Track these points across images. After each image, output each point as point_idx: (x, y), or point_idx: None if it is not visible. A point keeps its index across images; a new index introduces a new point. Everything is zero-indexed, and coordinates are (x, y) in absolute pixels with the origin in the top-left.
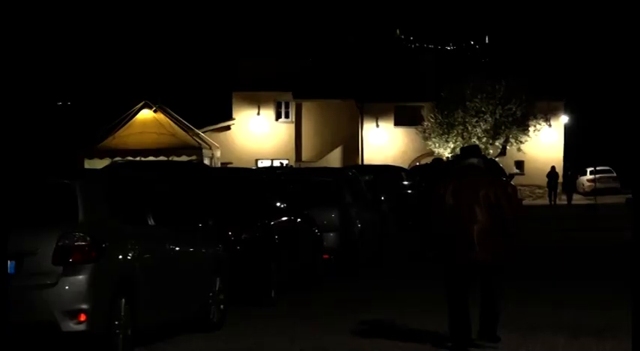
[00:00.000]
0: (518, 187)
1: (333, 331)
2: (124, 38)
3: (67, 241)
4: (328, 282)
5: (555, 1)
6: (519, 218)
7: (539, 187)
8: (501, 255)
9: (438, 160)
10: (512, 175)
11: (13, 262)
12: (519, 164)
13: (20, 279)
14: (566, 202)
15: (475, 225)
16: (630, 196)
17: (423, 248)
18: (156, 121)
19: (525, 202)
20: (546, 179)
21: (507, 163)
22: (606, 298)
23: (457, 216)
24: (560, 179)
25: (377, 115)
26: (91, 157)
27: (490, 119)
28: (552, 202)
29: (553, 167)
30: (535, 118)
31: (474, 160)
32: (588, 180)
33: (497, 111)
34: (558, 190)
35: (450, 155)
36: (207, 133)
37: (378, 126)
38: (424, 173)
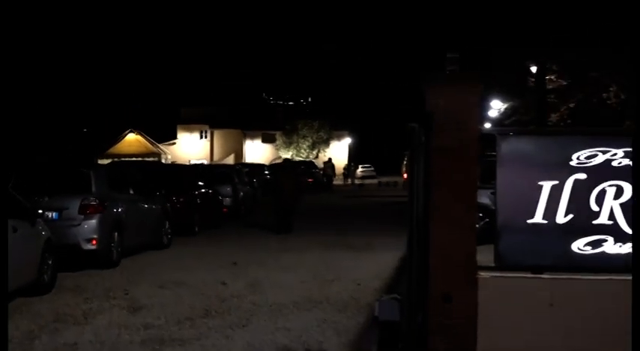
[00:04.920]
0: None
1: (232, 248)
2: (123, 90)
3: (86, 202)
4: (226, 224)
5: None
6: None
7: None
8: (298, 203)
9: (287, 160)
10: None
11: (57, 213)
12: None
13: (61, 222)
14: (350, 182)
15: (290, 192)
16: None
17: (268, 196)
18: (137, 139)
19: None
20: (342, 170)
21: (320, 162)
22: (375, 229)
23: (284, 188)
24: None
25: (252, 137)
26: (101, 158)
27: (311, 140)
28: (347, 182)
29: (348, 163)
30: (333, 139)
31: (289, 167)
32: (360, 171)
33: (314, 136)
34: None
35: (284, 158)
36: (163, 146)
37: (253, 142)
38: (275, 169)
